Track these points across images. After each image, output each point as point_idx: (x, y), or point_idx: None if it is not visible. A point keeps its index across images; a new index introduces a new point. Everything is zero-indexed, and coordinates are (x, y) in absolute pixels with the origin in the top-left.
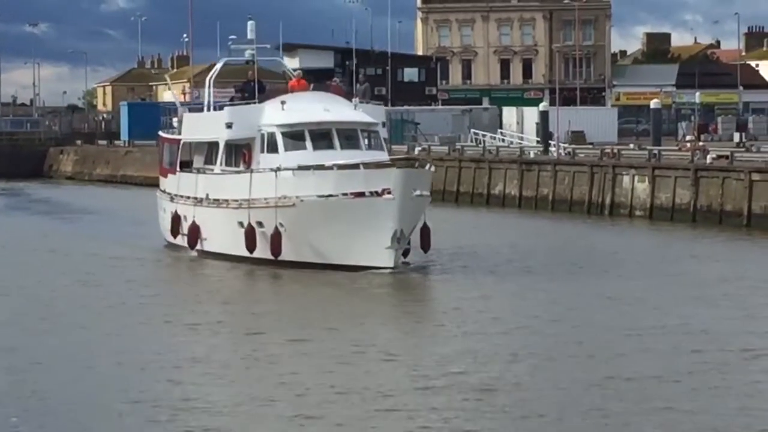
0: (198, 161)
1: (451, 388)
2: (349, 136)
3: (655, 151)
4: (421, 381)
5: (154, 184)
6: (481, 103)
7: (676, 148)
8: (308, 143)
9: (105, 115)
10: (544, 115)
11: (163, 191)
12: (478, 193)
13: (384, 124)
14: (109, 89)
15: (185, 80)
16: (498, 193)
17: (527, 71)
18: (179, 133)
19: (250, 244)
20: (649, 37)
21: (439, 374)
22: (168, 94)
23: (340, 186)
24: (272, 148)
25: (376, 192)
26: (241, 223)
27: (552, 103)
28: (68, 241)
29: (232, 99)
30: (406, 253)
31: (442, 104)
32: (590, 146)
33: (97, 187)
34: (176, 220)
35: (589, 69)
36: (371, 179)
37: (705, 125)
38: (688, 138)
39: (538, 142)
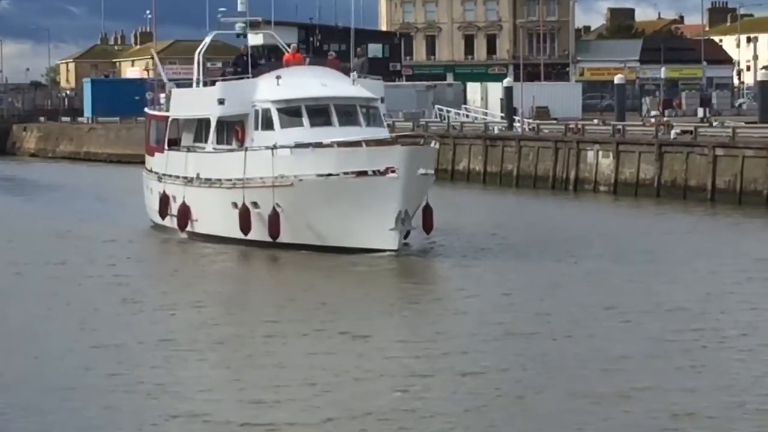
0: (187, 139)
1: (434, 372)
2: (347, 112)
3: (619, 127)
4: (403, 366)
5: (119, 160)
6: (445, 79)
7: (641, 123)
8: (305, 120)
9: (68, 92)
10: (508, 91)
11: (150, 170)
12: (442, 168)
13: (383, 100)
14: (72, 66)
15: (148, 57)
16: (462, 168)
17: (491, 47)
18: (167, 110)
19: (245, 226)
20: (613, 12)
21: (423, 359)
22: (132, 70)
23: (341, 164)
24: (267, 124)
25: (379, 171)
26: (234, 204)
27: (516, 78)
28: (50, 222)
29: (223, 74)
30: (406, 235)
31: (406, 80)
32: (554, 122)
33: (63, 164)
34: (164, 200)
35: (553, 44)
36: (374, 157)
37: (669, 100)
38: (652, 113)
39: (502, 117)
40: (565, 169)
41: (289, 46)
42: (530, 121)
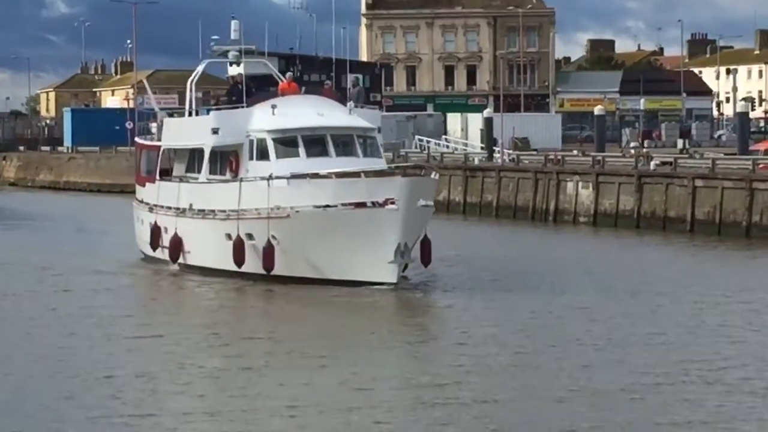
0: (179, 169)
1: (421, 404)
2: (344, 142)
3: (599, 158)
4: (389, 398)
5: (99, 190)
6: (425, 110)
7: (620, 154)
8: (301, 150)
9: (48, 121)
10: (488, 122)
11: (141, 201)
12: None
13: (380, 130)
14: (52, 95)
15: (129, 86)
16: (442, 199)
17: (471, 78)
18: (159, 139)
19: (239, 258)
20: (593, 43)
21: (410, 391)
22: (112, 100)
23: (339, 196)
24: (262, 155)
25: (379, 202)
26: (228, 235)
27: (496, 109)
28: (37, 253)
29: (217, 102)
30: (405, 267)
31: (387, 110)
32: (534, 152)
33: (44, 193)
34: (156, 231)
35: (533, 75)
36: (373, 188)
37: (649, 131)
38: (632, 144)
39: (482, 148)
40: (544, 199)
41: (284, 75)
42: (510, 151)
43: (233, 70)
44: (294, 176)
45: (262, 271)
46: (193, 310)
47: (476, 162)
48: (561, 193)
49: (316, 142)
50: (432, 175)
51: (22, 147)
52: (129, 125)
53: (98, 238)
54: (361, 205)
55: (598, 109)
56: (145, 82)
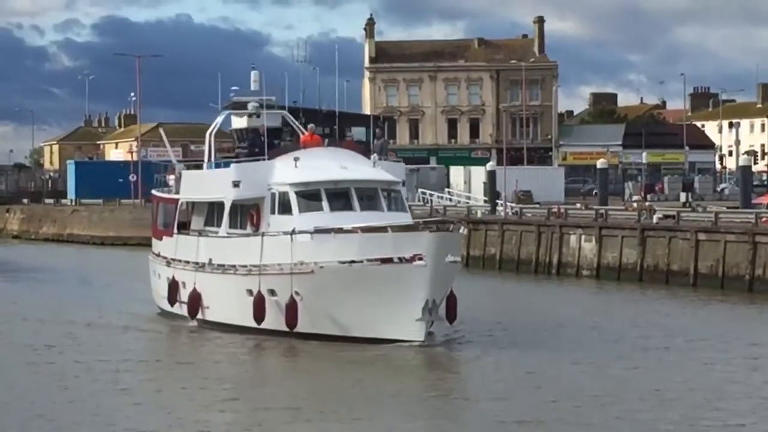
0: (197, 223)
1: None
2: (368, 195)
3: (602, 211)
4: None
5: (102, 243)
6: (428, 163)
7: (623, 207)
8: (325, 204)
9: (52, 174)
10: (491, 175)
11: (158, 255)
12: None
13: (404, 183)
14: (56, 148)
15: (132, 139)
16: None
17: (474, 131)
18: (176, 192)
19: (259, 314)
20: (596, 97)
21: None
22: (116, 152)
23: (365, 251)
24: (284, 209)
25: (406, 258)
26: (250, 291)
27: (499, 162)
28: (52, 307)
29: (237, 155)
30: (430, 325)
31: None
32: (537, 206)
33: (48, 246)
34: (174, 286)
35: (536, 129)
36: (400, 243)
37: (651, 185)
38: (634, 198)
39: (485, 201)
40: (548, 252)
41: (303, 127)
42: (513, 204)
43: (238, 123)
44: (318, 231)
45: (284, 328)
46: (207, 366)
47: (479, 215)
48: (564, 247)
49: (339, 195)
50: (460, 230)
51: (25, 200)
52: (132, 178)
53: (111, 292)
54: (387, 260)
55: (600, 163)
56: (161, 132)
